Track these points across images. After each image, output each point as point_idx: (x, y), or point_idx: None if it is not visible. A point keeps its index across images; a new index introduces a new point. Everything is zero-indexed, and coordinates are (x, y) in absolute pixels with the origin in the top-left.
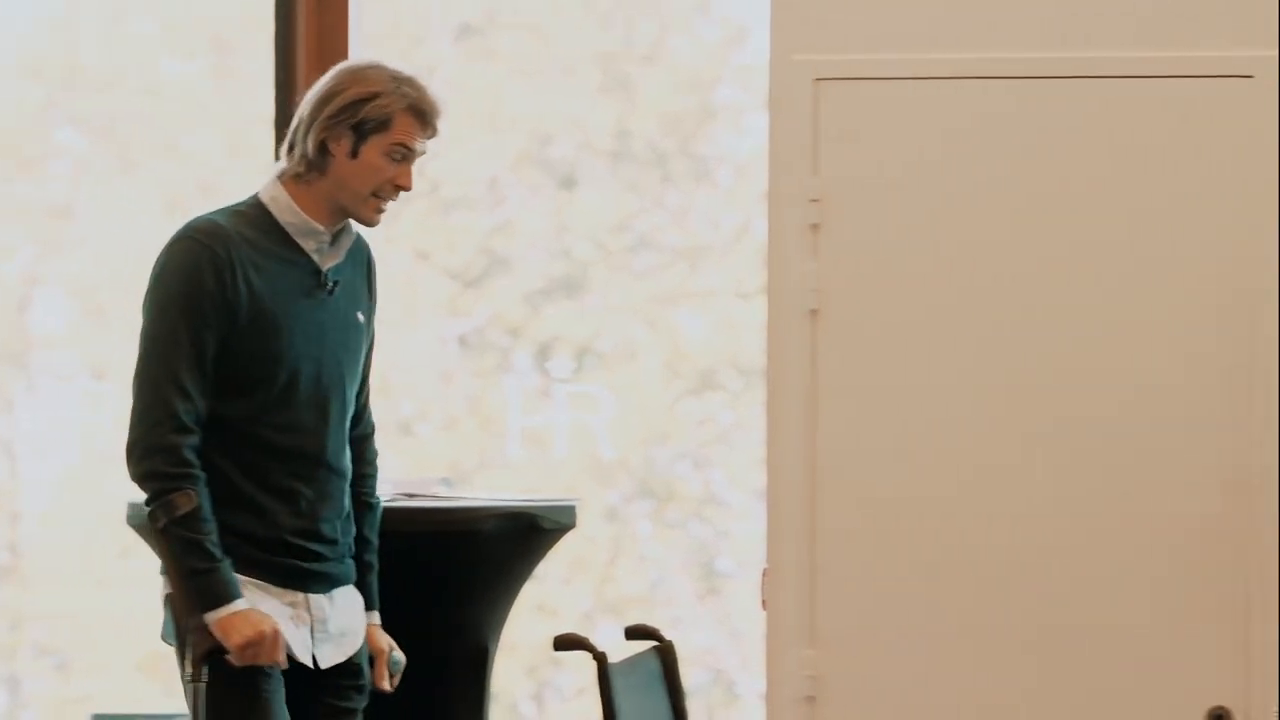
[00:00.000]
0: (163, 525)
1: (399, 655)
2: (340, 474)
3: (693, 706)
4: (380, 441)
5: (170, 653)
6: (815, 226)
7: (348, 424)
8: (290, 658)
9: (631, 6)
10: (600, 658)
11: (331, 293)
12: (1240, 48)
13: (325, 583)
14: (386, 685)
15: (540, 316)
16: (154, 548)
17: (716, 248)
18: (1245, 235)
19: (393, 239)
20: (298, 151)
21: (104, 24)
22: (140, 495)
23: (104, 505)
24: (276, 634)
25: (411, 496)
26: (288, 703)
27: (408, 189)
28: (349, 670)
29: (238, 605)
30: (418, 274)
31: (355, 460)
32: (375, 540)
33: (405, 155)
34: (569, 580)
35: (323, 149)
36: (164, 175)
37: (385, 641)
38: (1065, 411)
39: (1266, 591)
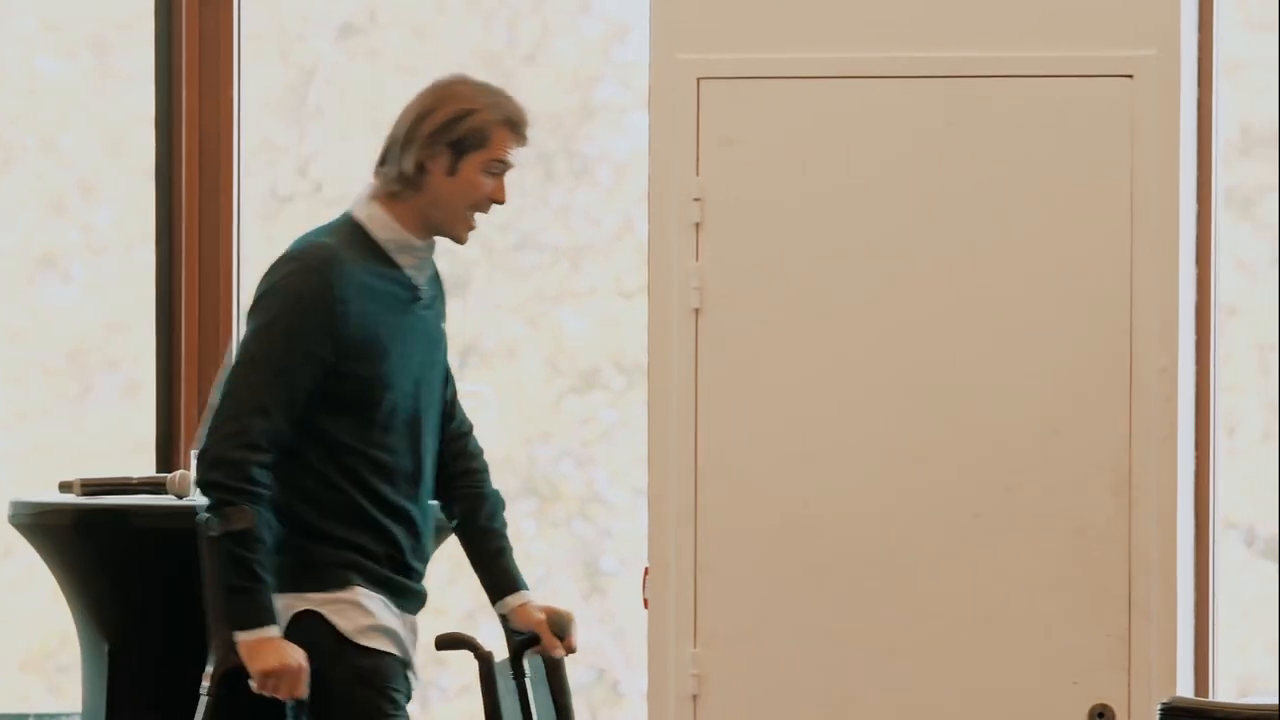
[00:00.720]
0: (215, 535)
1: (563, 614)
2: (430, 493)
3: (577, 705)
4: None
5: (53, 651)
6: (697, 225)
7: (436, 440)
8: (410, 677)
9: (514, 5)
10: (485, 657)
11: (428, 307)
12: (1120, 47)
13: (419, 603)
14: (561, 652)
15: None
16: (206, 558)
17: (598, 246)
18: (1126, 234)
19: (276, 240)
20: (392, 170)
21: None
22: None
23: None
24: (302, 670)
25: None
26: None
27: (502, 203)
28: None
29: (270, 631)
30: None
31: (459, 457)
32: (503, 527)
33: (501, 169)
34: (452, 580)
35: (420, 167)
36: (43, 175)
37: (542, 612)
38: (949, 411)
39: (1149, 591)
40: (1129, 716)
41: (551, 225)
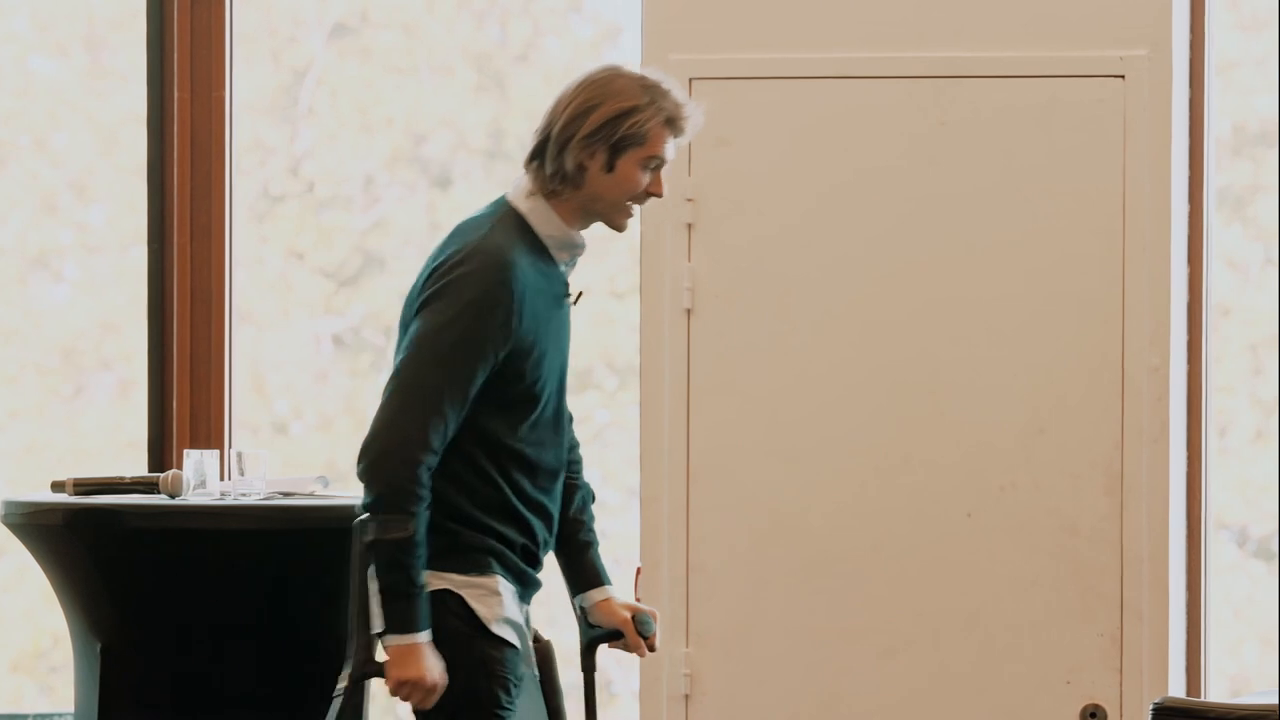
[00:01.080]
0: (372, 540)
1: (647, 612)
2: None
3: (569, 705)
4: (256, 441)
5: (44, 651)
6: (689, 226)
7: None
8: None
9: (505, 5)
10: None
11: (568, 305)
12: (1112, 48)
13: (535, 592)
14: (645, 651)
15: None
16: (357, 557)
17: (590, 246)
18: (1118, 234)
19: (267, 238)
20: (550, 167)
21: None
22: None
23: None
24: (437, 686)
25: (288, 495)
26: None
27: (660, 196)
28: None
29: (420, 638)
30: (292, 273)
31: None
32: (591, 520)
33: (658, 165)
34: None
35: (579, 166)
36: (35, 174)
37: (627, 610)
38: (941, 410)
39: (1141, 591)
40: (1121, 716)
41: None
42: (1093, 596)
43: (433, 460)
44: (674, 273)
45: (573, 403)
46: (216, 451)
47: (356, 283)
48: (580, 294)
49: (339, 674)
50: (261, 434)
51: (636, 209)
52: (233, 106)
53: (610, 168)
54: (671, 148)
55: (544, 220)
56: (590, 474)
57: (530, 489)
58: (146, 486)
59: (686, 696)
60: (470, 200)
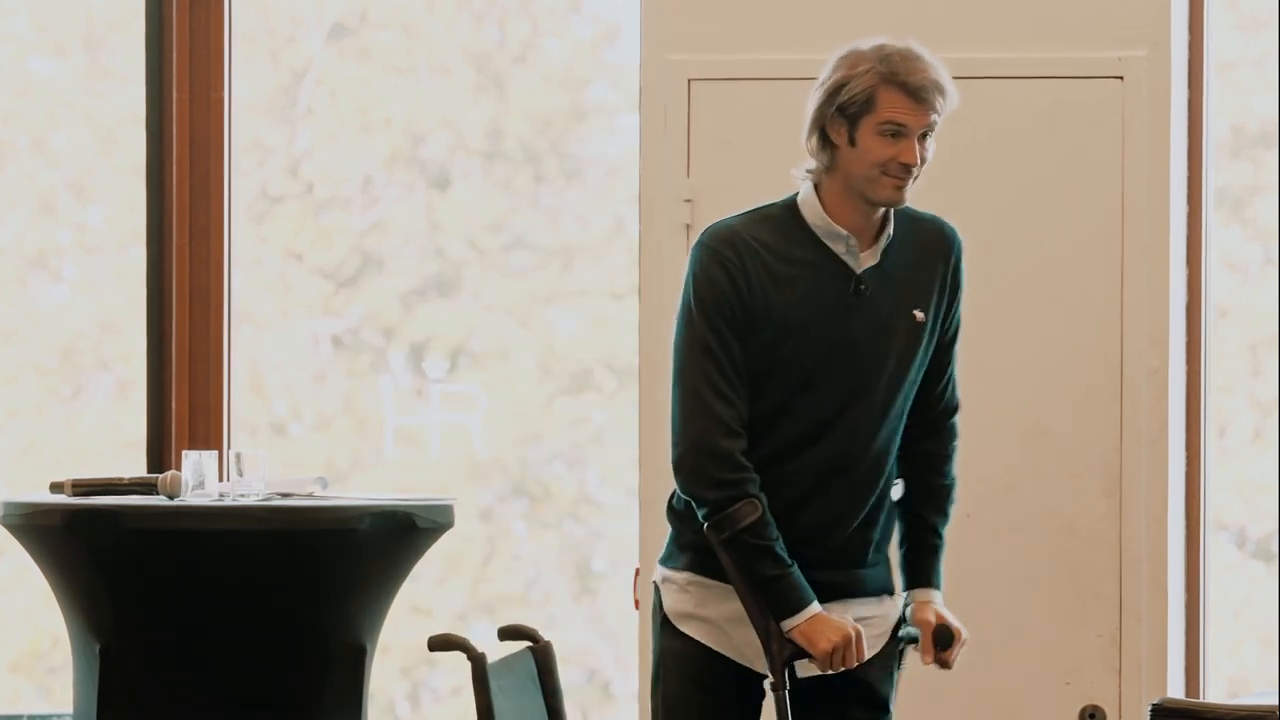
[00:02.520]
0: (727, 537)
1: (953, 630)
2: (871, 478)
3: (568, 706)
4: (255, 441)
5: (42, 652)
6: (688, 227)
7: (886, 424)
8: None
9: (504, 6)
10: (479, 659)
11: (861, 294)
12: (1111, 49)
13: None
14: (929, 660)
15: (414, 316)
16: (728, 564)
17: (589, 248)
18: (1117, 235)
19: (266, 239)
20: (809, 150)
21: None
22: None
23: None
24: (858, 635)
25: (286, 496)
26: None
27: (910, 164)
28: (850, 683)
29: (814, 608)
30: (291, 274)
31: (930, 438)
32: (938, 519)
33: (898, 131)
34: (443, 580)
35: (825, 140)
36: (34, 174)
37: (936, 616)
38: None
39: (1139, 592)
40: (1120, 717)
41: (542, 226)
42: (1092, 597)
43: (740, 442)
44: (673, 274)
45: (571, 403)
46: (215, 452)
47: (355, 283)
48: (868, 285)
49: (339, 674)
50: (260, 435)
51: (900, 180)
52: (232, 107)
53: (852, 141)
54: (914, 115)
55: (811, 211)
56: (590, 475)
57: (790, 479)
58: (145, 487)
59: None
60: (468, 200)
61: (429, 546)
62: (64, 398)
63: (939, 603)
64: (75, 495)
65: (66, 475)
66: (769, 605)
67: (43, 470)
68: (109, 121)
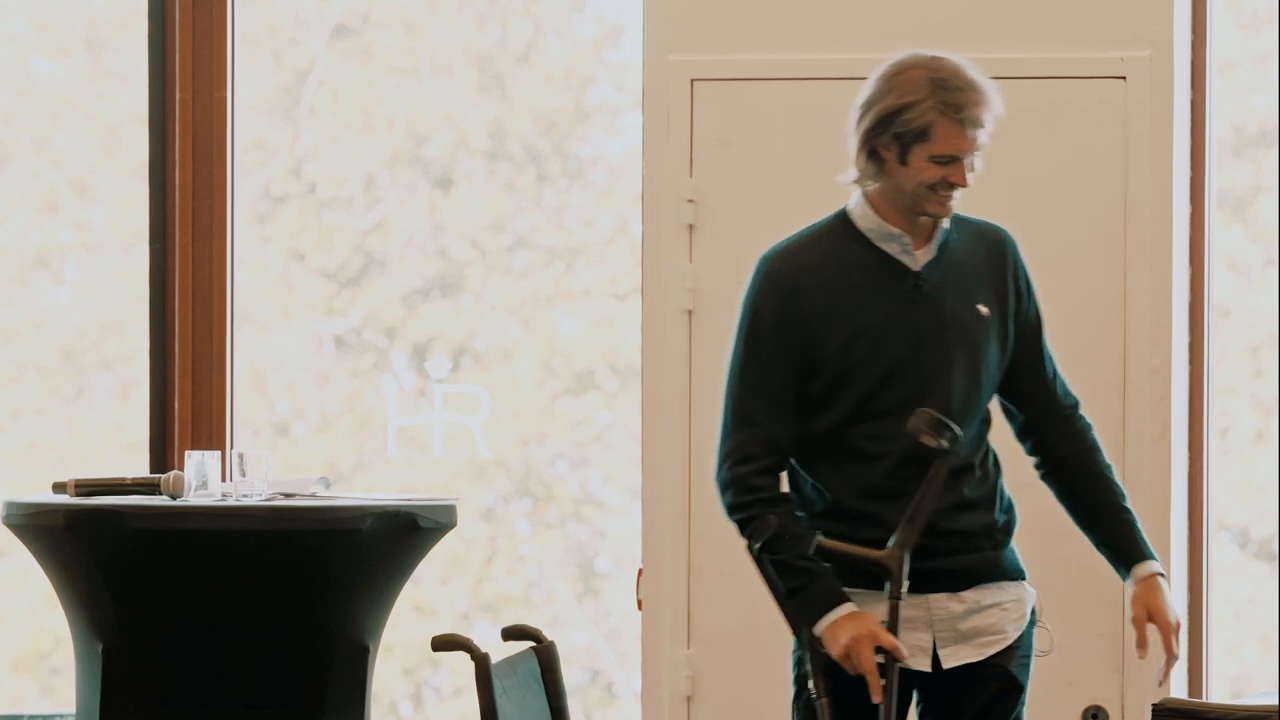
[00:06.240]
0: (755, 554)
1: (1170, 616)
2: (963, 466)
3: (571, 706)
4: (258, 442)
5: (45, 652)
6: (690, 227)
7: (967, 419)
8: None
9: (507, 6)
10: (482, 659)
11: (921, 290)
12: (1113, 49)
13: (947, 580)
14: (1142, 650)
15: (417, 316)
16: (765, 580)
17: (592, 248)
18: (1119, 235)
19: (268, 239)
20: (856, 159)
21: None
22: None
23: None
24: (860, 638)
25: (289, 496)
26: (929, 707)
27: (962, 185)
28: (991, 672)
29: (833, 614)
30: (294, 274)
31: (1069, 437)
32: (1118, 497)
33: (952, 160)
34: (446, 580)
35: (873, 155)
36: (36, 174)
37: (1154, 602)
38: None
39: None
40: (1122, 717)
41: (545, 227)
42: (1093, 597)
43: (760, 465)
44: (675, 274)
45: (574, 403)
46: (218, 452)
47: (358, 283)
48: (926, 282)
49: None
50: (263, 435)
51: (948, 196)
52: (234, 107)
53: (903, 161)
54: (968, 137)
55: (860, 215)
56: (593, 474)
57: (877, 479)
58: (148, 487)
59: (689, 698)
60: (471, 200)
61: (432, 547)
62: (66, 398)
63: (1162, 584)
64: (78, 495)
65: (69, 475)
66: (800, 615)
67: (45, 470)
68: (111, 121)
